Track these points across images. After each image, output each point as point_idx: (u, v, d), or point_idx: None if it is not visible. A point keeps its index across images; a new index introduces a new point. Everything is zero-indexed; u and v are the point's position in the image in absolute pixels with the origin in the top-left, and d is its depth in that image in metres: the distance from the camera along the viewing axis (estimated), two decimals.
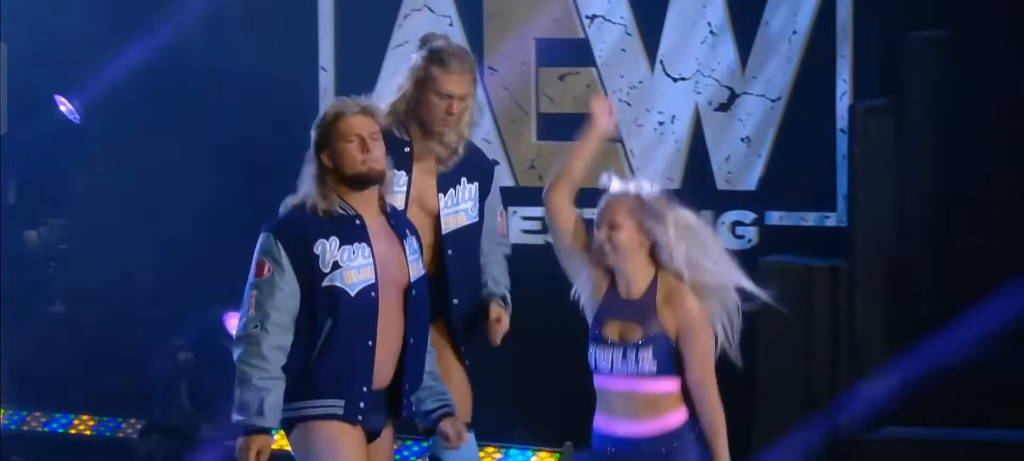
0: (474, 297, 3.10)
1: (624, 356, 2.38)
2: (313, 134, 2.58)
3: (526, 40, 5.92)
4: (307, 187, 2.55)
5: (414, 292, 2.60)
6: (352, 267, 2.49)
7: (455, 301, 3.02)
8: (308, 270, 2.46)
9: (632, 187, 2.47)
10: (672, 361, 2.37)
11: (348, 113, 2.54)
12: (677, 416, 2.39)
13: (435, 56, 2.94)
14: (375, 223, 2.58)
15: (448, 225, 3.03)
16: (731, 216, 5.61)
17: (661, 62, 5.75)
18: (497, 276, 3.19)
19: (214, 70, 6.20)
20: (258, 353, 2.40)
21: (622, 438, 2.41)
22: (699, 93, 5.71)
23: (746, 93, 5.61)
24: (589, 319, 2.48)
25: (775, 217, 5.60)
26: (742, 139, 5.62)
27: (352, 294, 2.47)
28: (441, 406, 2.71)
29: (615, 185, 2.48)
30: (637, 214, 2.39)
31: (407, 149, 2.98)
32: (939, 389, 5.33)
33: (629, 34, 5.77)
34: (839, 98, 5.55)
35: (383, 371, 2.56)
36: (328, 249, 2.47)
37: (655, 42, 5.75)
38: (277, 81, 6.01)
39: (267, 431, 2.43)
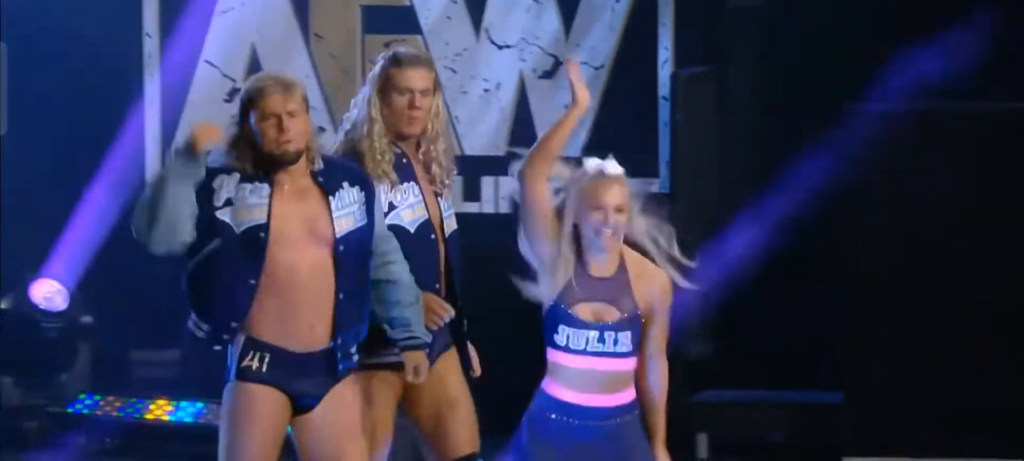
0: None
1: (600, 338, 2.33)
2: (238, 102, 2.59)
3: (352, 7, 5.89)
4: (226, 146, 2.54)
5: (342, 247, 2.52)
6: (244, 205, 2.47)
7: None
8: (207, 201, 2.46)
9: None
10: (639, 339, 2.35)
11: (267, 91, 2.49)
12: (632, 389, 2.37)
13: (390, 58, 2.88)
14: (289, 182, 2.53)
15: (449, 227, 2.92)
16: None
17: (486, 30, 5.76)
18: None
19: (34, 35, 5.99)
20: None
21: (587, 408, 2.35)
22: (524, 61, 5.74)
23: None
24: (550, 299, 2.36)
25: None
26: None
27: (237, 231, 2.46)
28: (407, 337, 2.62)
29: (613, 167, 2.35)
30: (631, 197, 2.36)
31: (405, 159, 2.85)
32: (758, 352, 5.35)
33: (454, 1, 5.77)
34: (661, 66, 5.61)
35: (316, 331, 2.50)
36: (226, 184, 2.46)
37: (480, 10, 5.77)
38: (100, 47, 5.87)
39: None
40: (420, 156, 2.86)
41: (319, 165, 2.57)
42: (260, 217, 2.47)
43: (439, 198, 2.89)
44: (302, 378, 2.50)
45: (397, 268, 2.64)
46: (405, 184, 2.71)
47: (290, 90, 2.51)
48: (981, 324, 4.72)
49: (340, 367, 2.53)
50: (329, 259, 2.51)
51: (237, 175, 2.47)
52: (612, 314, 2.32)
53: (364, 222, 2.58)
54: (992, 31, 5.04)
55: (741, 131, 5.45)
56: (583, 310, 2.32)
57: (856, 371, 4.92)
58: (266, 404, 2.48)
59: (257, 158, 2.49)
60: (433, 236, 2.77)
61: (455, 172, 3.00)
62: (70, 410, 5.90)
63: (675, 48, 5.59)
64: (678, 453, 2.63)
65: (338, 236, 2.52)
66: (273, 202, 2.48)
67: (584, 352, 2.31)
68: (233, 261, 2.47)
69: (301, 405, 2.54)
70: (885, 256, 4.79)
